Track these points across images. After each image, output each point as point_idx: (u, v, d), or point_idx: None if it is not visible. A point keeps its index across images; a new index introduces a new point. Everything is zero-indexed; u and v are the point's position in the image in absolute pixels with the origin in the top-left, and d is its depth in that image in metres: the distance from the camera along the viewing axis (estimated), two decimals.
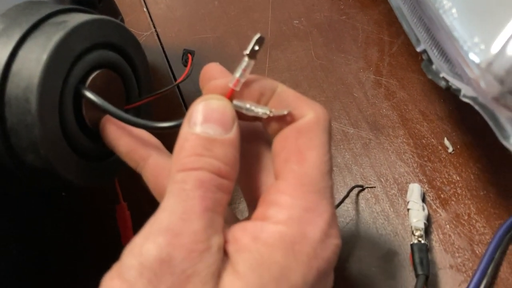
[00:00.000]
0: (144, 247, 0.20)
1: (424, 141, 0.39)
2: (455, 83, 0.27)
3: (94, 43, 0.29)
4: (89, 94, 0.28)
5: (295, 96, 0.24)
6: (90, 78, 0.29)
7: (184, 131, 0.23)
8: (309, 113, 0.23)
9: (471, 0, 0.23)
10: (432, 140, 0.39)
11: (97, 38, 0.29)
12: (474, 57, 0.22)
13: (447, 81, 0.27)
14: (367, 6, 0.48)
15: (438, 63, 0.28)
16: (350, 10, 0.48)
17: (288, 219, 0.21)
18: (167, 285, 0.19)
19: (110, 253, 0.36)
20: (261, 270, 0.19)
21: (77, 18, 0.28)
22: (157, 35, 0.47)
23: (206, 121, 0.23)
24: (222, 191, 0.22)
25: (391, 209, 0.37)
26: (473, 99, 0.25)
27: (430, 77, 0.29)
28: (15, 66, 0.26)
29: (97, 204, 0.39)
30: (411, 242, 0.34)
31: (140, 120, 0.28)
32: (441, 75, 0.28)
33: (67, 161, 0.28)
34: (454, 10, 0.23)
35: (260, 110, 0.24)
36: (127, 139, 0.28)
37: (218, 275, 0.20)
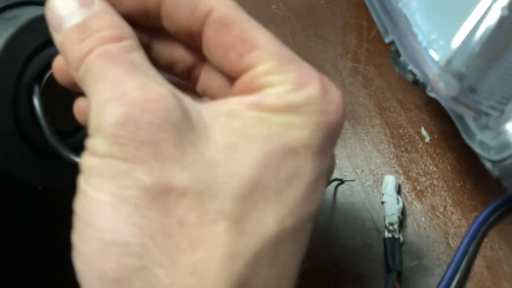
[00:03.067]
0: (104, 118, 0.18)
1: (401, 131, 0.38)
2: (422, 77, 0.26)
3: (49, 39, 0.28)
4: (36, 103, 0.27)
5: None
6: (46, 76, 0.28)
7: (58, 41, 0.21)
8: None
9: None
10: (409, 129, 0.38)
11: None
12: (433, 54, 0.21)
13: (414, 74, 0.26)
14: None
15: (405, 55, 0.26)
16: None
17: (287, 91, 0.19)
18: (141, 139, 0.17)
19: None
20: (265, 127, 0.18)
21: (30, 12, 0.27)
22: None
23: (62, 17, 0.20)
24: (129, 51, 0.19)
25: (367, 201, 0.36)
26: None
27: (397, 70, 0.27)
28: None
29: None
30: (384, 236, 0.33)
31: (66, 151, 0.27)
32: (409, 68, 0.27)
33: (24, 160, 0.27)
34: (414, 3, 0.22)
35: None
36: None
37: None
